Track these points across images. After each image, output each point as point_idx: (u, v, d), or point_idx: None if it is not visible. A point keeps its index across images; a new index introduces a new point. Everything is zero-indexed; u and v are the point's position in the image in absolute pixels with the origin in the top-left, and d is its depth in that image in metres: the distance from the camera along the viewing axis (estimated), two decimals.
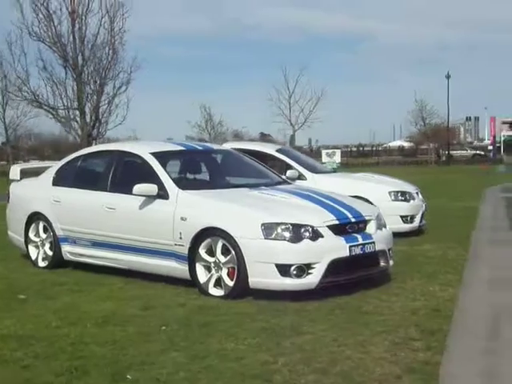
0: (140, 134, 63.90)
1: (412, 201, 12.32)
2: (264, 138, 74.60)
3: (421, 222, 12.47)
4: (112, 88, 35.78)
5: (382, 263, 8.03)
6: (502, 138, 72.37)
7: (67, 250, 9.43)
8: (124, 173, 9.06)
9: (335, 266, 7.40)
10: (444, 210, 16.49)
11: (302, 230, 7.38)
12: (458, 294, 7.57)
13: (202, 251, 7.75)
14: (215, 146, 10.81)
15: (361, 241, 7.68)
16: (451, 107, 64.17)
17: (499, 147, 70.41)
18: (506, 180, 31.41)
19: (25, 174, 10.72)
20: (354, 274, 7.66)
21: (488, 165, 55.59)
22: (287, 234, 7.33)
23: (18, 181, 10.62)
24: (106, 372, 5.21)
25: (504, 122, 76.85)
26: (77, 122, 34.43)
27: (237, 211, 7.74)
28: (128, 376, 5.13)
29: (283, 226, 7.36)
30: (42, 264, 9.76)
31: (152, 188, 8.21)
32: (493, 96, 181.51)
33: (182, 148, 9.54)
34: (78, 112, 34.43)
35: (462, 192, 23.75)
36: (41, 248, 9.82)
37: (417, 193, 12.70)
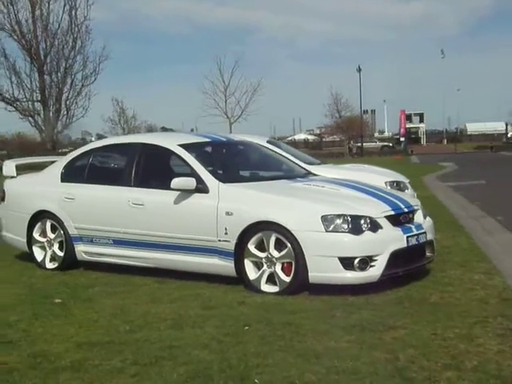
0: None
1: (406, 190, 12.25)
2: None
3: None
4: (80, 79, 34.53)
5: (429, 253, 7.91)
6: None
7: (82, 249, 8.85)
8: (150, 166, 8.53)
9: (395, 258, 7.23)
10: None
11: (362, 221, 7.16)
12: (508, 283, 7.53)
13: (251, 246, 7.40)
14: (236, 138, 10.40)
15: (415, 231, 7.54)
16: (356, 100, 65.41)
17: (398, 139, 72.83)
18: (429, 170, 32.27)
19: (19, 169, 10.04)
20: (411, 265, 7.51)
21: (402, 156, 57.04)
22: (347, 226, 7.09)
23: (14, 177, 9.92)
24: (231, 375, 4.87)
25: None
26: (39, 115, 32.77)
27: (292, 203, 7.42)
28: (256, 380, 4.81)
29: (343, 218, 7.12)
30: (50, 266, 9.14)
31: (190, 182, 7.77)
32: (388, 89, 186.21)
33: (208, 139, 9.10)
34: (40, 104, 32.82)
35: None
36: (48, 249, 9.19)
37: (409, 182, 12.68)
